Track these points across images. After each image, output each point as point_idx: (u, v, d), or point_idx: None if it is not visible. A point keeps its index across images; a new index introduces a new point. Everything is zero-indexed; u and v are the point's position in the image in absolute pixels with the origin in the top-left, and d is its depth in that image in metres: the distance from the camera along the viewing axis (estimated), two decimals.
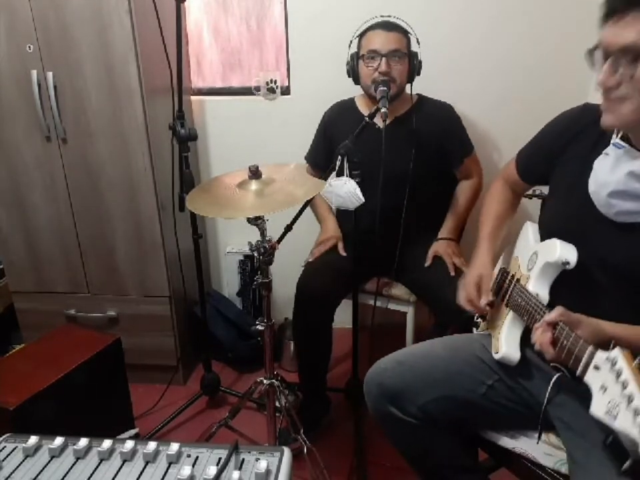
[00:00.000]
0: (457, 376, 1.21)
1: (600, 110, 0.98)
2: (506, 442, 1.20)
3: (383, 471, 1.74)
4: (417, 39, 1.78)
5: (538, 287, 1.12)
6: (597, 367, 0.83)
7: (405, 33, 1.75)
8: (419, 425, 1.20)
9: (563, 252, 1.06)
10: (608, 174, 1.01)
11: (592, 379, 0.84)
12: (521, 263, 1.23)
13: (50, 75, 1.80)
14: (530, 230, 1.29)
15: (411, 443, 1.27)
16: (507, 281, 1.27)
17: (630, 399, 0.75)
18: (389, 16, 1.75)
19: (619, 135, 1.03)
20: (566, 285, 1.10)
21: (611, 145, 1.03)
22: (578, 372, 0.87)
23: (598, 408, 0.80)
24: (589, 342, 0.89)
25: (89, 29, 1.75)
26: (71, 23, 1.74)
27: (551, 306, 1.05)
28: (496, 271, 1.37)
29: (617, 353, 0.80)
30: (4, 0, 1.73)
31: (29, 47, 1.78)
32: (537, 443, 1.15)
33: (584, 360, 0.86)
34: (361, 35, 1.77)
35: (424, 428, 1.21)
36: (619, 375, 0.78)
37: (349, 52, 1.79)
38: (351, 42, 1.79)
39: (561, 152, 1.16)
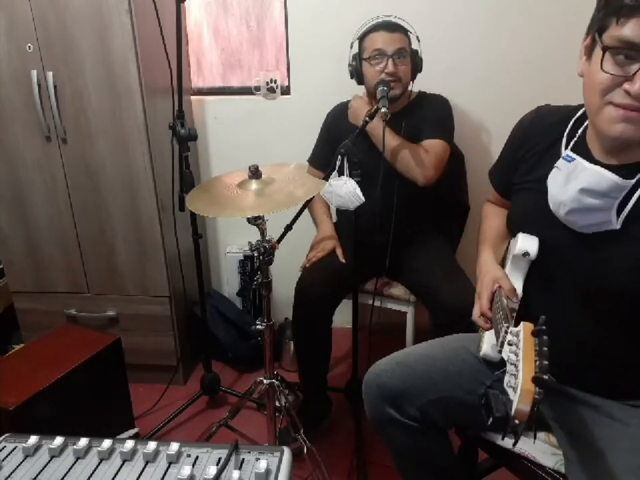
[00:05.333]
0: (456, 377, 1.20)
1: (613, 115, 0.91)
2: (506, 442, 1.20)
3: (382, 471, 1.74)
4: (417, 37, 1.78)
5: (512, 282, 1.12)
6: (510, 343, 0.86)
7: (406, 32, 1.75)
8: (417, 427, 1.19)
9: (523, 243, 1.08)
10: (561, 192, 0.99)
11: (505, 354, 0.87)
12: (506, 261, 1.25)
13: (50, 74, 1.80)
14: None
15: (408, 446, 1.25)
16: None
17: (513, 371, 0.80)
18: (390, 16, 1.75)
19: (570, 146, 1.02)
20: (543, 286, 1.10)
21: (560, 159, 1.01)
22: (497, 348, 0.91)
23: (505, 382, 0.82)
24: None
25: (89, 28, 1.75)
26: (71, 23, 1.75)
27: (524, 298, 1.09)
28: None
29: (520, 327, 0.85)
30: (4, 0, 1.73)
31: (29, 46, 1.78)
32: (533, 442, 1.16)
33: (500, 336, 0.89)
34: (363, 36, 1.77)
35: (422, 431, 1.20)
36: (517, 351, 0.82)
37: (350, 53, 1.79)
38: (352, 43, 1.79)
39: (521, 161, 1.15)
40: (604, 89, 0.89)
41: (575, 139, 1.03)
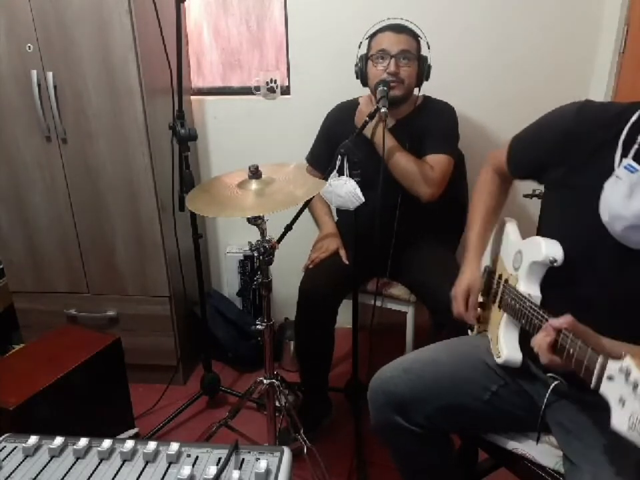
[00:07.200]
0: (463, 384, 1.20)
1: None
2: (506, 443, 1.20)
3: (382, 471, 1.74)
4: (427, 43, 1.77)
5: (528, 287, 1.10)
6: (610, 378, 0.79)
7: (415, 37, 1.74)
8: (422, 433, 1.19)
9: (549, 250, 1.04)
10: (623, 205, 0.93)
11: (607, 390, 0.79)
12: (506, 263, 1.22)
13: (50, 74, 1.80)
14: (509, 229, 1.26)
15: (412, 450, 1.25)
16: (495, 282, 1.26)
17: None
18: (400, 18, 1.74)
19: (631, 155, 0.95)
20: (555, 284, 1.08)
21: (621, 167, 0.95)
22: (592, 384, 0.82)
23: (620, 423, 0.76)
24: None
25: (89, 29, 1.75)
26: (70, 23, 1.74)
27: (543, 305, 1.05)
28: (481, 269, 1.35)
29: (628, 362, 0.76)
30: (4, 0, 1.73)
31: (29, 46, 1.78)
32: (537, 444, 1.16)
33: (596, 372, 0.81)
34: (371, 37, 1.76)
35: (427, 436, 1.20)
36: (635, 386, 0.74)
37: (358, 53, 1.79)
38: (361, 43, 1.78)
39: (558, 156, 1.07)
40: None
41: (636, 146, 0.95)
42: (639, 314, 0.97)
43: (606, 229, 0.98)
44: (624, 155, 0.96)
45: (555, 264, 1.03)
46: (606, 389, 0.80)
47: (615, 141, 0.97)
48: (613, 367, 0.79)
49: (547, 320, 0.97)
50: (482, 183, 1.35)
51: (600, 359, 0.81)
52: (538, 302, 1.07)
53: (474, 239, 1.30)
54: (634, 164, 0.93)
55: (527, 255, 1.11)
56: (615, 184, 0.95)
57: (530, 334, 1.02)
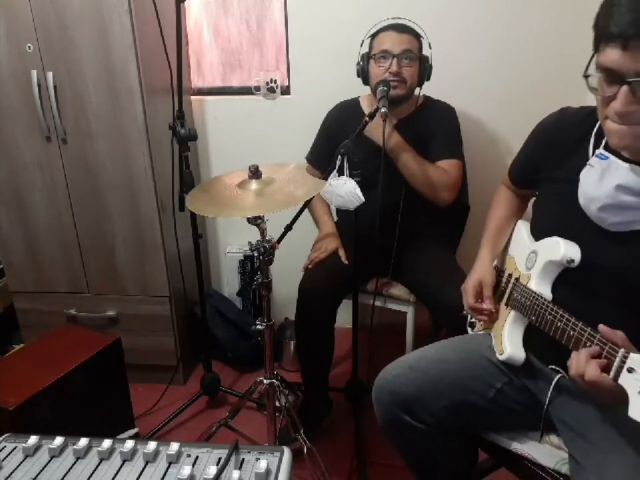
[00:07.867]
0: (468, 381, 1.20)
1: (610, 128, 0.93)
2: (506, 442, 1.20)
3: (382, 471, 1.74)
4: (429, 43, 1.77)
5: (540, 286, 1.11)
6: (630, 370, 0.81)
7: (417, 36, 1.74)
8: (429, 430, 1.20)
9: (567, 250, 1.05)
10: (595, 188, 1.00)
11: (627, 381, 0.81)
12: (518, 262, 1.23)
13: (50, 75, 1.80)
14: (522, 228, 1.28)
15: (420, 449, 1.26)
16: (504, 280, 1.26)
17: None
18: (401, 18, 1.75)
19: (602, 145, 1.02)
20: (566, 284, 1.09)
21: (594, 156, 1.02)
22: (611, 375, 0.85)
23: (638, 412, 0.78)
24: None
25: (89, 28, 1.75)
26: (70, 23, 1.74)
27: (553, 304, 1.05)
28: None
29: None
30: (4, 0, 1.73)
31: (29, 46, 1.78)
32: (539, 441, 1.16)
33: (616, 362, 0.84)
34: (373, 36, 1.77)
35: (433, 434, 1.21)
36: None
37: (360, 52, 1.79)
38: (363, 42, 1.79)
39: (543, 161, 1.17)
40: (599, 105, 0.95)
41: (604, 143, 1.02)
42: (628, 292, 0.99)
43: (585, 214, 1.03)
44: (596, 146, 1.04)
45: (572, 264, 1.04)
46: (625, 381, 0.82)
47: (589, 135, 1.07)
48: (636, 358, 0.81)
49: (559, 314, 1.00)
50: (496, 197, 1.42)
51: (621, 351, 0.84)
52: (549, 300, 1.08)
53: (485, 240, 1.35)
54: (604, 152, 1.01)
55: (542, 254, 1.12)
56: (588, 171, 1.03)
57: (540, 330, 1.05)
